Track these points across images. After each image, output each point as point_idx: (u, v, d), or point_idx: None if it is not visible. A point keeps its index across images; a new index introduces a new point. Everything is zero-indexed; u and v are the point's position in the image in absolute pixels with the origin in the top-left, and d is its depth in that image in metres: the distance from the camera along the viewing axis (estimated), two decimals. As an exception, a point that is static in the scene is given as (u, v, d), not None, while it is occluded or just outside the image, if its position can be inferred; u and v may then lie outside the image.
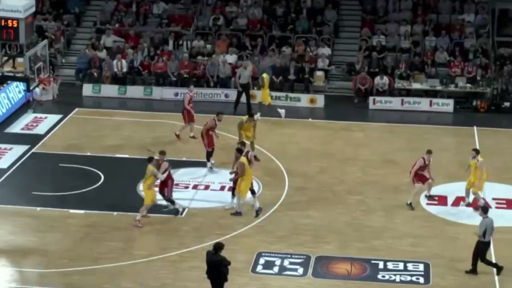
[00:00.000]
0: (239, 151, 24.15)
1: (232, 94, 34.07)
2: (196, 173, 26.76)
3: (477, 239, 20.55)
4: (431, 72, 34.85)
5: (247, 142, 27.49)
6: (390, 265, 21.37)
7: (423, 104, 33.70)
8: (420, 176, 24.66)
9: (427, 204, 24.96)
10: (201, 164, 27.04)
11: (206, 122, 27.24)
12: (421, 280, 20.79)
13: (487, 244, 20.60)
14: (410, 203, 24.56)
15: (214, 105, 33.46)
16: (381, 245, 22.37)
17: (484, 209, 20.88)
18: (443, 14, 38.01)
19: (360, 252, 21.95)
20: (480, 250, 20.58)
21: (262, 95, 32.31)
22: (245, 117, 27.78)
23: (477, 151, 24.63)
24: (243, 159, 23.72)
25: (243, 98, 32.91)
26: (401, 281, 20.73)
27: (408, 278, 20.86)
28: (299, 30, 37.20)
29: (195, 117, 29.54)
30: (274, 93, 33.98)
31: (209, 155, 26.95)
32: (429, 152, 24.97)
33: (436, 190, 25.55)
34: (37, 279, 20.67)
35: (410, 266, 21.34)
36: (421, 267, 21.30)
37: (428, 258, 21.62)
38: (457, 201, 25.09)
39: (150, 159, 23.60)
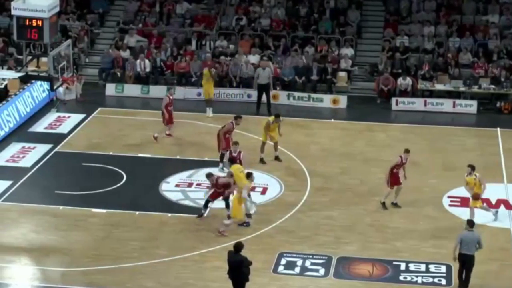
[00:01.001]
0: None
1: (255, 94, 34.00)
2: (219, 173, 26.72)
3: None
4: (455, 73, 34.68)
5: (270, 143, 27.49)
6: (412, 267, 21.30)
7: (446, 105, 33.56)
8: (395, 177, 24.30)
9: (450, 205, 24.85)
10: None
11: (223, 125, 27.10)
12: (443, 281, 20.71)
13: (459, 256, 19.88)
14: (384, 203, 24.39)
15: (236, 105, 33.51)
16: (403, 247, 22.30)
17: (470, 222, 20.19)
18: (467, 15, 37.83)
19: (382, 253, 21.89)
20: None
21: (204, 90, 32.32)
22: (271, 118, 27.63)
23: (472, 168, 24.02)
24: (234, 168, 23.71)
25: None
26: (423, 283, 20.67)
27: (430, 279, 20.79)
28: (322, 30, 37.15)
29: (175, 119, 29.53)
30: (297, 94, 33.97)
31: (222, 157, 26.78)
32: (406, 151, 24.68)
33: (459, 192, 25.42)
34: (59, 278, 20.76)
35: (432, 268, 21.26)
36: (443, 268, 21.21)
37: (450, 260, 21.47)
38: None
39: (249, 175, 23.47)
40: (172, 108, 29.44)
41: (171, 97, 29.55)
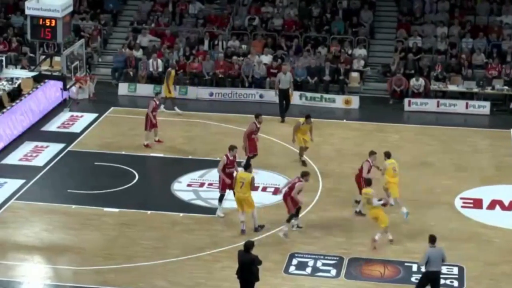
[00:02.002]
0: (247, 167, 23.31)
1: (267, 94, 34.07)
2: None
3: None
4: (468, 74, 34.59)
5: (303, 146, 27.23)
6: (424, 268, 21.19)
7: (459, 106, 33.48)
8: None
9: (462, 207, 24.80)
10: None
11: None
12: (455, 283, 20.66)
13: (427, 274, 19.28)
14: (360, 211, 23.95)
15: (248, 105, 33.54)
16: (415, 248, 22.23)
17: (431, 238, 19.40)
18: (480, 16, 37.73)
19: (393, 254, 21.85)
20: (420, 278, 19.65)
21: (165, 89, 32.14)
22: (302, 119, 27.29)
23: (387, 155, 24.12)
24: (247, 175, 22.91)
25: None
26: (435, 284, 20.62)
27: (442, 281, 20.63)
28: (335, 31, 37.13)
29: (158, 124, 29.00)
30: (309, 94, 33.96)
31: (249, 161, 26.34)
32: (372, 153, 24.19)
33: (471, 193, 25.38)
34: (71, 277, 20.82)
35: (444, 269, 21.16)
36: (455, 270, 21.15)
37: (462, 262, 21.46)
38: (492, 204, 24.89)
39: (369, 182, 22.70)
40: (156, 113, 28.98)
41: (157, 102, 29.21)
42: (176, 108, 32.19)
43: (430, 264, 19.11)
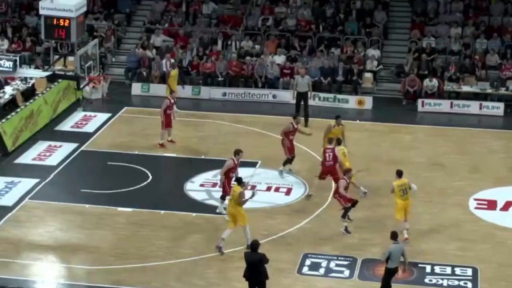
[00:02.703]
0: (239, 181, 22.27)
1: (280, 94, 34.07)
2: (243, 173, 26.68)
3: None
4: (482, 75, 34.47)
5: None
6: (437, 269, 21.22)
7: (473, 107, 33.37)
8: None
9: (476, 208, 24.73)
10: (249, 164, 26.95)
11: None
12: (469, 285, 20.60)
13: (391, 270, 19.37)
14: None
15: (261, 105, 33.56)
16: (428, 249, 22.21)
17: (393, 234, 19.43)
18: (494, 16, 37.58)
19: (407, 255, 21.75)
20: (383, 276, 19.60)
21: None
22: (332, 122, 27.02)
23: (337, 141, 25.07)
24: (236, 188, 21.95)
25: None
26: (449, 286, 20.58)
27: (456, 282, 20.69)
28: (348, 31, 37.08)
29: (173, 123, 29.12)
30: (322, 94, 33.91)
31: (287, 162, 26.17)
32: (347, 171, 23.52)
33: (485, 194, 25.32)
34: (85, 276, 20.87)
35: (458, 271, 21.16)
36: (469, 271, 21.10)
37: (476, 263, 21.40)
38: (506, 206, 24.81)
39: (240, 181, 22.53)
40: (170, 112, 28.99)
41: (172, 101, 29.21)
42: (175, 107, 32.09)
43: (392, 260, 19.20)
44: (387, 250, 19.23)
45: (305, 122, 30.67)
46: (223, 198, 23.96)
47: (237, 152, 23.77)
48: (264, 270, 18.69)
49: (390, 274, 19.42)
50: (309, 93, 31.34)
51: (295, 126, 26.44)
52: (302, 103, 31.29)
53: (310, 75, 34.17)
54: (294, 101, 31.49)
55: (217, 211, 24.08)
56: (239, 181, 22.10)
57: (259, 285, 18.78)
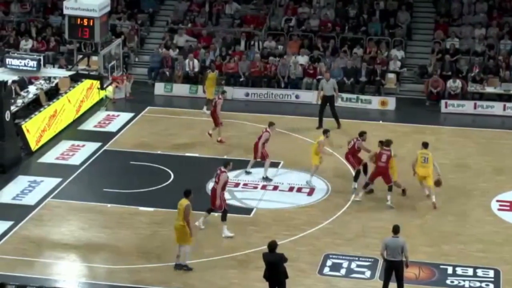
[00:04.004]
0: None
1: (303, 95, 34.05)
2: (263, 173, 26.72)
3: None
4: (506, 76, 34.25)
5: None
6: (459, 271, 21.11)
7: (497, 108, 33.18)
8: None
9: (498, 209, 24.59)
10: (272, 165, 26.79)
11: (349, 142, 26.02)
12: (491, 286, 20.49)
13: (386, 262, 19.40)
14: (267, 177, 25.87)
15: (284, 106, 33.52)
16: (450, 250, 22.11)
17: (394, 228, 19.48)
18: (519, 17, 37.41)
19: (429, 256, 21.71)
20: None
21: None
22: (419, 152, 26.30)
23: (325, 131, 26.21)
24: (183, 201, 20.76)
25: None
26: (470, 287, 20.45)
27: (478, 284, 20.58)
28: (372, 32, 36.97)
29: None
30: (345, 95, 33.82)
31: (358, 174, 25.76)
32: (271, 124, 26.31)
33: (508, 196, 25.22)
34: (106, 275, 20.94)
35: (479, 272, 21.05)
36: (491, 273, 20.99)
37: (498, 265, 21.28)
38: (530, 208, 24.70)
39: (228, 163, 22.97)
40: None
41: (222, 99, 29.53)
42: (204, 108, 32.22)
43: (387, 253, 19.24)
44: (383, 242, 19.40)
45: (337, 124, 30.69)
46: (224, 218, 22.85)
47: (228, 164, 23.01)
48: (284, 270, 18.67)
49: (386, 266, 19.48)
50: (335, 96, 31.15)
51: (358, 147, 25.66)
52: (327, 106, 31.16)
53: (333, 75, 34.11)
54: (318, 103, 31.37)
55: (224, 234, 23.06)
56: (187, 193, 20.82)
57: (279, 285, 18.76)
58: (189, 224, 20.60)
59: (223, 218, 22.64)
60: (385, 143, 24.89)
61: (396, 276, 19.39)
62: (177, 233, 20.80)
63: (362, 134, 25.91)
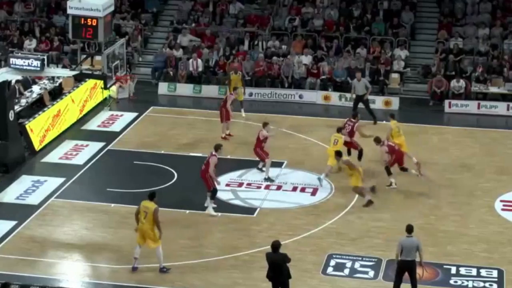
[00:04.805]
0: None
1: (306, 95, 34.06)
2: (270, 173, 26.69)
3: None
4: (509, 76, 34.22)
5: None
6: (463, 271, 21.10)
7: (500, 108, 33.16)
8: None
9: (502, 209, 24.57)
10: (274, 165, 26.90)
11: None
12: (495, 286, 20.47)
13: (399, 263, 19.33)
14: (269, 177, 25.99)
15: (288, 105, 33.54)
16: (454, 250, 22.09)
17: (408, 228, 19.41)
18: (523, 17, 37.37)
19: (432, 256, 21.66)
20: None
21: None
22: (392, 123, 27.23)
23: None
24: (150, 204, 20.71)
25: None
26: (474, 287, 20.44)
27: (481, 284, 20.56)
28: (375, 32, 36.96)
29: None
30: (349, 95, 33.74)
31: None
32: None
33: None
34: (109, 275, 20.95)
35: (483, 272, 21.03)
36: (494, 273, 20.97)
37: (502, 265, 21.25)
38: (533, 208, 24.68)
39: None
40: (233, 106, 29.92)
41: (234, 96, 30.02)
42: (242, 110, 32.14)
43: (403, 254, 19.15)
44: (399, 244, 19.21)
45: (373, 120, 31.16)
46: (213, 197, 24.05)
47: (219, 147, 24.27)
48: (287, 270, 18.66)
49: (399, 267, 19.33)
50: (366, 95, 31.63)
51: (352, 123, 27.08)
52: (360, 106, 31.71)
53: (336, 75, 34.13)
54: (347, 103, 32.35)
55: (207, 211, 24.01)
56: (152, 196, 20.70)
57: (282, 285, 18.75)
58: (160, 227, 20.57)
59: (212, 197, 23.80)
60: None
61: (410, 275, 19.33)
62: (144, 235, 20.55)
63: (355, 116, 27.38)
